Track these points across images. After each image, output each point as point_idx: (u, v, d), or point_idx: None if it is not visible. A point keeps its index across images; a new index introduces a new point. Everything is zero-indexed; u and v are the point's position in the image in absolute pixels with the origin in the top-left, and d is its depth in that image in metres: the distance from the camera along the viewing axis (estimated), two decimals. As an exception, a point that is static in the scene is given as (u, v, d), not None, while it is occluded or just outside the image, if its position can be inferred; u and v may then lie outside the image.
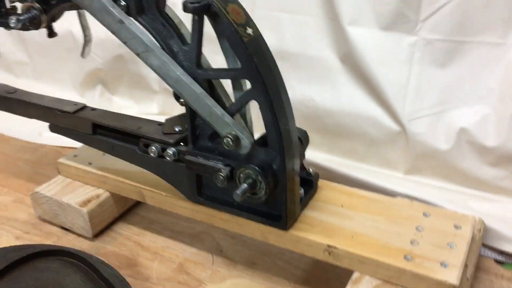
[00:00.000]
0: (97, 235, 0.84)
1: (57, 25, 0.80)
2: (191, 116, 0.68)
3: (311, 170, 0.75)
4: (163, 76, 0.64)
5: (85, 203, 0.81)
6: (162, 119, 1.11)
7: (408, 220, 0.70)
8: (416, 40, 0.89)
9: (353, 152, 1.01)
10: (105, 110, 0.82)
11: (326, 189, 0.77)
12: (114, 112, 0.81)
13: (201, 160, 0.68)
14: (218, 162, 0.67)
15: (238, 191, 0.62)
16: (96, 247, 0.81)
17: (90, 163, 0.85)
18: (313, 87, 1.01)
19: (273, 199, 0.67)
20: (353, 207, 0.73)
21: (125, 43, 0.65)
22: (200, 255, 0.79)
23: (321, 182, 0.78)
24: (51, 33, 0.79)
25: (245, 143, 0.63)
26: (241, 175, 0.65)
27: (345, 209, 0.72)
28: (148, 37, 0.64)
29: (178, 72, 0.63)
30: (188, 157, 0.70)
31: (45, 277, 0.67)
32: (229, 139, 0.62)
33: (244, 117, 0.70)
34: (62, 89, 1.36)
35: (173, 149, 0.72)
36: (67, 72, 1.33)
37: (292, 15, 1.00)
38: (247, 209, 0.70)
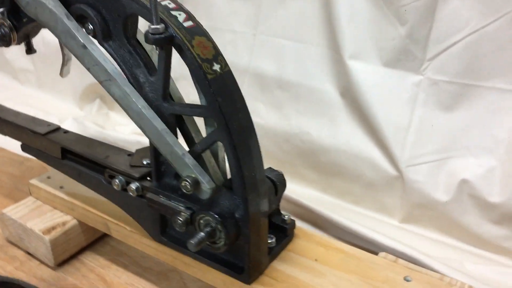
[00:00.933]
0: (62, 263, 0.79)
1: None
2: (155, 151, 0.62)
3: (286, 217, 0.69)
4: (125, 107, 0.60)
5: (49, 230, 0.76)
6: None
7: (386, 284, 0.62)
8: (421, 80, 0.82)
9: (348, 194, 0.94)
10: (77, 134, 0.78)
11: (302, 238, 0.71)
12: (86, 137, 0.77)
13: (162, 199, 0.63)
14: (179, 203, 0.62)
15: (193, 241, 0.57)
16: (57, 277, 0.77)
17: (61, 187, 0.81)
18: (310, 121, 0.95)
19: (236, 248, 0.61)
20: (328, 262, 0.66)
21: (88, 69, 0.60)
22: (164, 298, 0.74)
23: (299, 230, 0.71)
24: (29, 49, 0.76)
25: (205, 188, 0.57)
26: (201, 221, 0.60)
27: (319, 263, 0.66)
28: (112, 65, 0.59)
29: (140, 105, 0.58)
30: (149, 195, 0.64)
31: (-14, 313, 0.63)
32: (187, 183, 0.57)
33: (215, 155, 0.65)
34: (63, 100, 1.34)
35: (137, 183, 0.67)
36: (69, 83, 1.30)
37: (295, 43, 0.94)
38: (210, 256, 0.65)
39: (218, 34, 1.01)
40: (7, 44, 0.69)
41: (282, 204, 0.70)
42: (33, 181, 0.83)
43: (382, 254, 0.71)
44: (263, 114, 1.00)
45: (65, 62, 0.77)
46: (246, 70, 1.03)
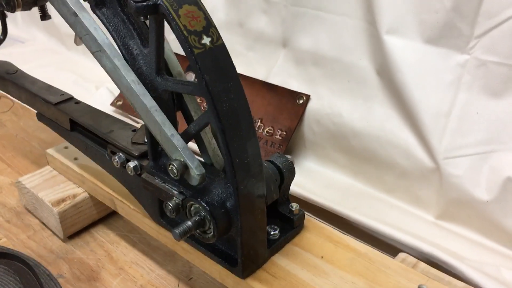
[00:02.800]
0: (73, 235, 0.78)
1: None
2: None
3: (294, 207, 0.63)
4: (115, 81, 0.56)
5: (58, 202, 0.75)
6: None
7: (395, 293, 0.55)
8: (467, 60, 0.72)
9: (380, 182, 0.86)
10: (88, 106, 0.75)
11: (312, 231, 0.64)
12: (96, 109, 0.74)
13: (156, 181, 0.59)
14: (173, 187, 0.58)
15: (177, 230, 0.52)
16: (65, 250, 0.76)
17: (76, 158, 0.80)
18: (343, 101, 0.87)
19: (232, 239, 0.57)
20: (334, 261, 0.60)
21: (80, 38, 0.57)
22: (166, 280, 0.71)
23: (309, 222, 0.65)
24: (44, 16, 0.73)
25: (194, 174, 0.52)
26: (192, 208, 0.55)
27: (325, 261, 0.60)
28: (103, 35, 0.55)
29: (129, 79, 0.54)
30: (144, 175, 0.61)
31: (-18, 283, 0.62)
32: (173, 167, 0.52)
33: (217, 138, 0.60)
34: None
35: (136, 162, 0.63)
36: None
37: (330, 15, 0.86)
38: (207, 245, 0.60)
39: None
40: (12, 9, 0.66)
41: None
42: (50, 151, 0.82)
43: (401, 255, 0.64)
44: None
45: (78, 30, 0.74)
46: (283, 44, 0.96)
